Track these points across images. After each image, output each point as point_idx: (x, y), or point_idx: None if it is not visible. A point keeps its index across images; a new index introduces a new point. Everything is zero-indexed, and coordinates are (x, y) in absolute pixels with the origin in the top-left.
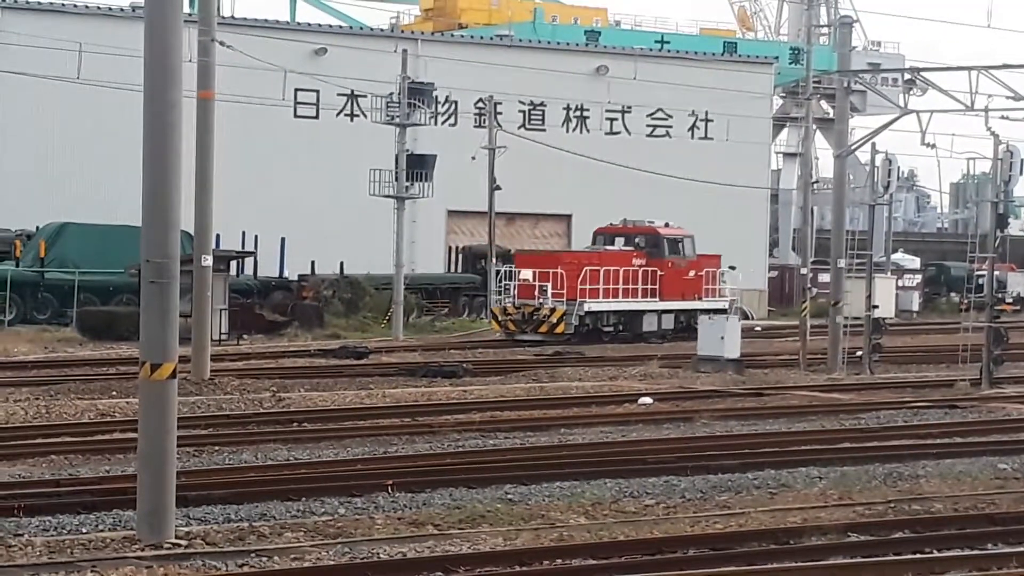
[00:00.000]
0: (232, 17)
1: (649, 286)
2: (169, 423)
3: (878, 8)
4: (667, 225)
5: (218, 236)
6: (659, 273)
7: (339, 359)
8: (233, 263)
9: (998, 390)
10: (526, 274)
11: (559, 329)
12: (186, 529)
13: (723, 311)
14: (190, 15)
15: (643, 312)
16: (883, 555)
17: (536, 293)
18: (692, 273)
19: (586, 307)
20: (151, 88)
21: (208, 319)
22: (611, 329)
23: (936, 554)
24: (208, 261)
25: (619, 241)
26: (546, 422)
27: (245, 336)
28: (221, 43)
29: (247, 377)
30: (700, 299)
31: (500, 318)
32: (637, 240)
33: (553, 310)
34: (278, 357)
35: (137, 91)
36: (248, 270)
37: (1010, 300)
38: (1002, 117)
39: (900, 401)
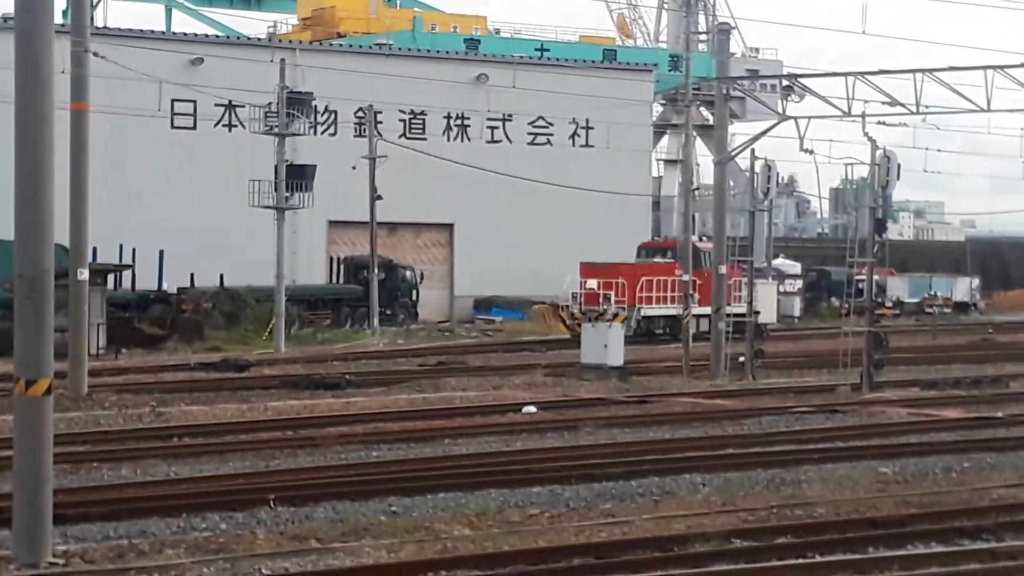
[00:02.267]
0: (106, 27)
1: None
2: (45, 440)
3: (756, 15)
4: (701, 239)
5: (95, 249)
6: (697, 282)
7: (220, 372)
8: (111, 276)
9: (879, 394)
10: (591, 283)
11: None
12: (64, 548)
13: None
14: (62, 26)
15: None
16: (767, 560)
17: (600, 300)
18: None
19: (643, 312)
20: (23, 100)
21: (85, 334)
22: (661, 332)
23: (819, 558)
24: (84, 275)
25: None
26: (430, 433)
27: (124, 350)
28: (95, 54)
29: (126, 392)
30: (731, 304)
31: (568, 322)
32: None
33: (616, 315)
34: (158, 371)
35: (8, 103)
36: (126, 283)
37: (890, 304)
38: (879, 122)
39: (782, 407)
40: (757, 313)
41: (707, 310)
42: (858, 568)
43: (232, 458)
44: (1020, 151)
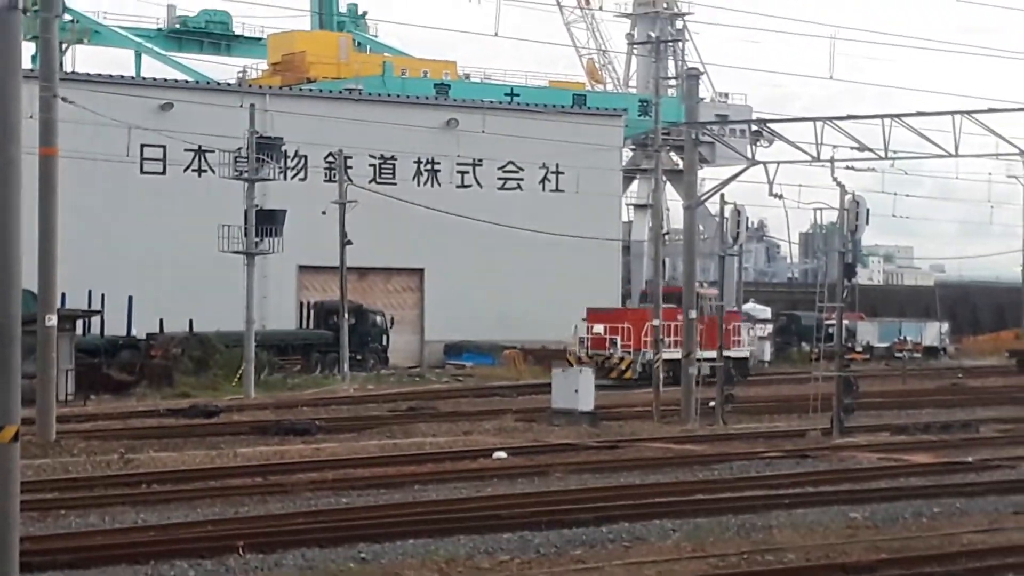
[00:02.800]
0: (75, 72)
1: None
2: (12, 487)
3: (726, 61)
4: (702, 285)
5: (64, 295)
6: (700, 327)
7: (189, 419)
8: (79, 322)
9: (849, 439)
10: (598, 328)
11: (627, 375)
12: None
13: (746, 359)
14: (31, 71)
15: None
16: None
17: (607, 344)
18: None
19: (647, 356)
20: None
21: (53, 380)
22: (665, 375)
23: None
24: (53, 320)
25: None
26: (400, 479)
27: (92, 397)
28: (63, 99)
29: (94, 439)
30: (730, 348)
31: (575, 366)
32: (678, 300)
33: (622, 359)
34: (126, 417)
35: None
36: (95, 329)
37: (860, 349)
38: (847, 167)
39: (753, 452)
40: (727, 358)
41: (709, 354)
42: None
43: (201, 505)
44: (988, 196)
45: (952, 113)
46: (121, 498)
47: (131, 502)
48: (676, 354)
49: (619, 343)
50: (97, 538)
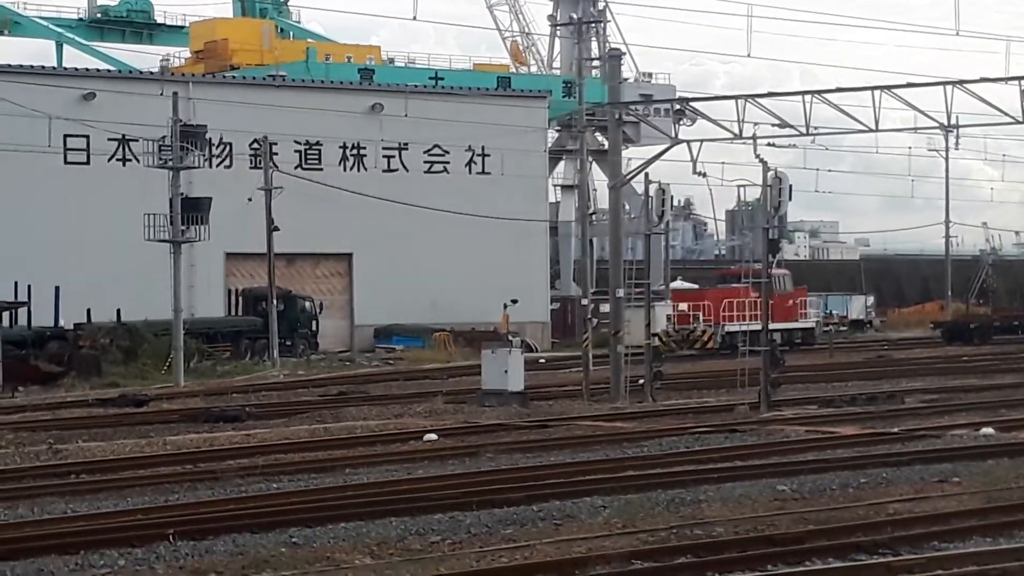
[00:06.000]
0: None
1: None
2: None
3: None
4: (773, 266)
5: None
6: (770, 302)
7: (118, 408)
8: (6, 313)
9: (776, 412)
10: (683, 306)
11: (709, 345)
12: None
13: (812, 329)
14: None
15: (759, 331)
16: None
17: (690, 320)
18: (791, 302)
19: (726, 328)
20: None
21: None
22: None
23: None
24: None
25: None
26: (331, 463)
27: (20, 388)
28: None
29: (23, 430)
30: (797, 320)
31: (664, 339)
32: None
33: (704, 331)
34: (55, 408)
35: None
36: (22, 320)
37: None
38: (769, 144)
39: (682, 427)
40: (655, 335)
41: (778, 326)
42: None
43: (131, 494)
44: (908, 170)
45: (871, 88)
46: (50, 489)
47: (60, 492)
48: (750, 326)
49: (701, 318)
50: (26, 529)
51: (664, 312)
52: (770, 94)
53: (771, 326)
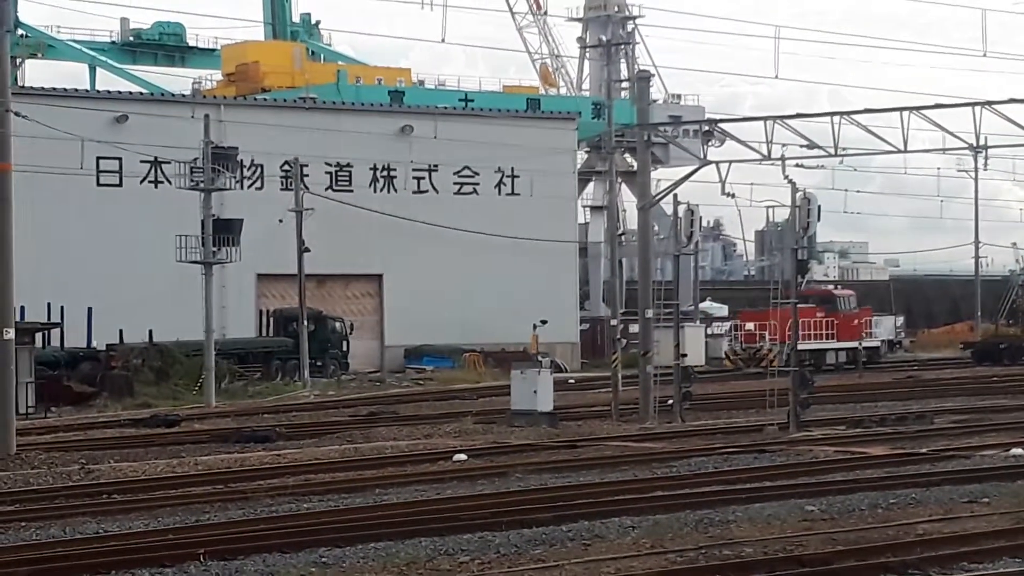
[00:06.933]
0: (29, 86)
1: (827, 331)
2: None
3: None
4: (835, 287)
5: (22, 308)
6: (835, 321)
7: (150, 428)
8: (39, 335)
9: (805, 433)
10: (749, 325)
11: (774, 364)
12: None
13: (877, 348)
14: None
15: (826, 350)
16: None
17: (757, 339)
18: (856, 321)
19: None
20: None
21: (12, 393)
22: (807, 363)
23: None
24: (10, 334)
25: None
26: (360, 483)
27: (53, 408)
28: (17, 113)
29: (55, 450)
30: (861, 339)
31: (731, 357)
32: (818, 299)
33: (770, 350)
34: (87, 429)
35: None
36: (55, 341)
37: None
38: (797, 165)
39: (710, 448)
40: (684, 356)
41: (843, 344)
42: None
43: (162, 514)
44: (937, 190)
45: (900, 109)
46: (82, 508)
47: (92, 512)
48: (813, 345)
49: (767, 337)
50: (58, 548)
51: (696, 333)
52: (798, 115)
53: (838, 345)
